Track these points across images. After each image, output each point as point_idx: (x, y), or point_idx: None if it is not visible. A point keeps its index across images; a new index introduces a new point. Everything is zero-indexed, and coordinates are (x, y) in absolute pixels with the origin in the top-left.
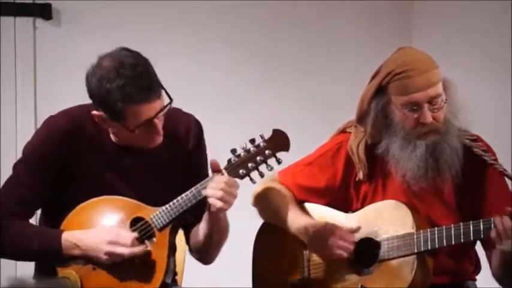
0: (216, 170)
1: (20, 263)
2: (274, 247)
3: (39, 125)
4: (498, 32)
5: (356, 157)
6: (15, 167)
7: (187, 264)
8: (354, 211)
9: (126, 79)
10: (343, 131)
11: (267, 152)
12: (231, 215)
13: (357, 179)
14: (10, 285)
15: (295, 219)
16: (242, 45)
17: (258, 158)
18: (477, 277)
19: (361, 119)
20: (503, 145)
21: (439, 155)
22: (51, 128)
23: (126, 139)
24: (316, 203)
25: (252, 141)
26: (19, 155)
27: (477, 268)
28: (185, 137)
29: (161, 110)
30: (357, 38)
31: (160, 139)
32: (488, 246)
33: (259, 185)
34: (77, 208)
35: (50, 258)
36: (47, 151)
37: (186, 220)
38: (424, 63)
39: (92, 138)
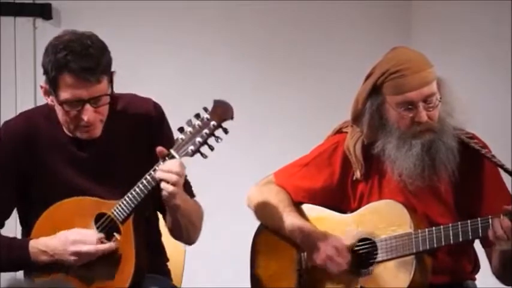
0: (164, 156)
1: None
2: (272, 248)
3: None
4: (498, 32)
5: (353, 157)
6: None
7: (187, 264)
8: (351, 211)
9: (71, 53)
10: (339, 131)
11: (212, 123)
12: (231, 215)
13: (354, 179)
14: (9, 285)
15: (291, 224)
16: (242, 45)
17: (204, 131)
18: (476, 276)
19: (356, 119)
20: (503, 145)
21: (435, 154)
22: (7, 132)
23: (64, 122)
24: (314, 203)
25: (197, 116)
26: None
27: (476, 267)
28: (146, 122)
29: (95, 97)
30: (356, 38)
31: (95, 132)
32: (487, 244)
33: (255, 186)
34: (42, 216)
35: (20, 267)
36: (7, 156)
37: (149, 209)
38: (419, 62)
39: (48, 136)
